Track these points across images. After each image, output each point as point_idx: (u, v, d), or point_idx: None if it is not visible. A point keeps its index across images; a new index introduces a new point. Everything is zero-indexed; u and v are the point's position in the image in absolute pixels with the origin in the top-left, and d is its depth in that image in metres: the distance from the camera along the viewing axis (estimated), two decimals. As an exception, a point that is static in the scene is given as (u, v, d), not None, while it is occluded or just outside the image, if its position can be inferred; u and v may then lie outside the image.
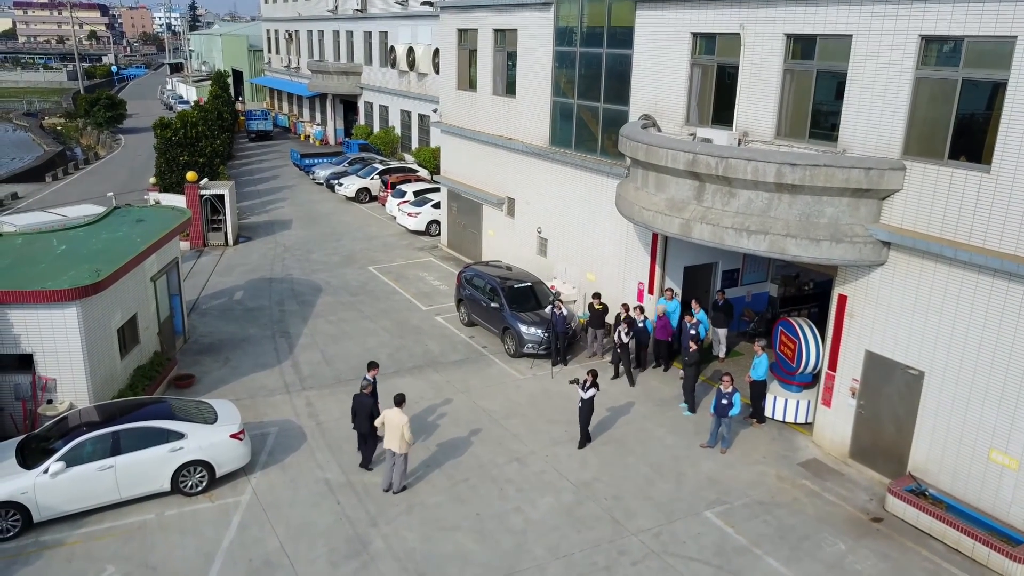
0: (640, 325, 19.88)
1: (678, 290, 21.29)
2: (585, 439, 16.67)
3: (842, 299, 16.08)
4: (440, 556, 13.19)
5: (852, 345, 15.94)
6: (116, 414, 14.53)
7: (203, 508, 14.28)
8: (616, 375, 19.94)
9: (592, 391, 16.32)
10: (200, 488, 14.55)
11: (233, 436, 14.82)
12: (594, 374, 16.53)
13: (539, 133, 24.53)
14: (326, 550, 13.28)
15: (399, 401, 14.80)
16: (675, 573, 12.85)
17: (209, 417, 15.06)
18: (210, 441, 14.54)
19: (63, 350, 15.75)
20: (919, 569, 13.09)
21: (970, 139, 13.61)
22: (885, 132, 14.55)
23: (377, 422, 14.90)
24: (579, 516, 14.38)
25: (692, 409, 18.41)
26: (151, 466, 14.07)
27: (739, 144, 17.09)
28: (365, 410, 15.40)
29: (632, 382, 19.72)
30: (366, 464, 15.73)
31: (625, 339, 19.50)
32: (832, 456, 16.50)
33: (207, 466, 14.52)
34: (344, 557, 13.11)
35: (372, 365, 16.51)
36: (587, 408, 16.43)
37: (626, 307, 20.17)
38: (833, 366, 16.41)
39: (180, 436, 14.31)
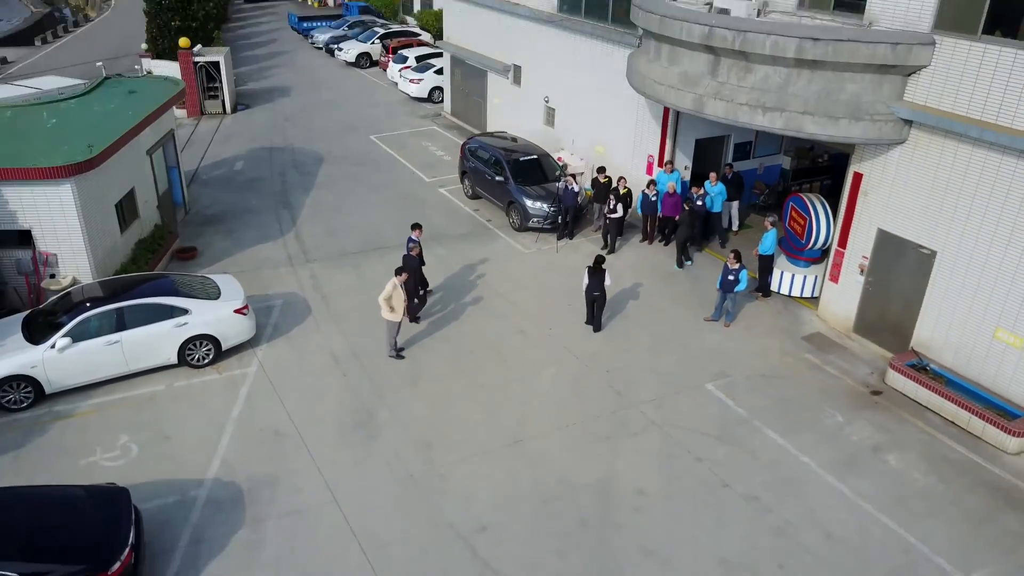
0: (652, 199, 19.49)
1: (688, 164, 20.78)
2: (589, 316, 16.47)
3: (857, 177, 15.62)
4: (445, 426, 13.46)
5: (864, 223, 15.63)
6: (119, 290, 14.49)
7: (211, 380, 14.50)
8: (605, 245, 19.84)
9: (584, 276, 15.99)
10: (207, 361, 14.72)
11: (237, 311, 14.84)
12: (594, 260, 16.04)
13: (547, -5, 23.24)
14: (334, 420, 13.55)
15: (397, 272, 14.96)
16: (674, 443, 13.12)
17: (212, 293, 15.03)
18: (215, 316, 14.57)
19: (61, 226, 15.55)
20: (915, 441, 13.33)
21: (1008, 13, 12.72)
22: (915, 3, 13.66)
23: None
24: (582, 388, 14.57)
25: (680, 264, 19.01)
26: (157, 340, 14.17)
27: (758, 16, 16.17)
28: (411, 271, 15.85)
29: (612, 249, 19.77)
30: (411, 318, 16.28)
31: (612, 216, 19.36)
32: (836, 331, 16.54)
33: (213, 340, 14.63)
34: (351, 427, 13.40)
35: (416, 226, 16.78)
36: (586, 293, 16.17)
37: (622, 180, 19.86)
38: (843, 243, 16.17)
39: (184, 312, 14.32)
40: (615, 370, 15.07)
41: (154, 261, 17.70)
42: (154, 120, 18.92)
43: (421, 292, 16.78)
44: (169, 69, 29.57)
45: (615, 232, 19.79)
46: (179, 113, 28.71)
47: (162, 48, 31.89)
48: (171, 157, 20.80)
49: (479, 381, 14.69)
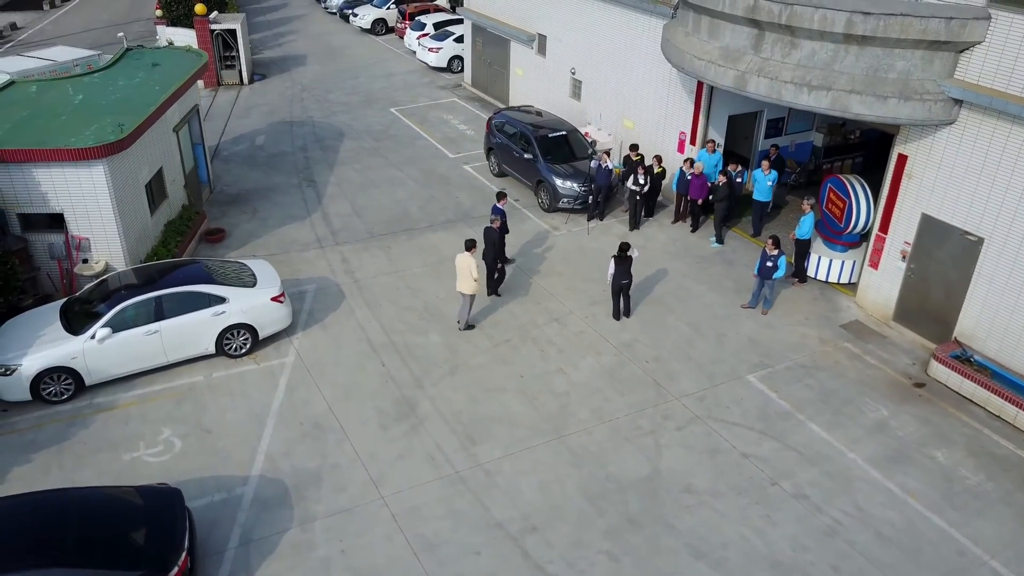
0: (688, 177, 19.15)
1: (720, 140, 20.39)
2: (616, 311, 16.15)
3: (901, 159, 15.27)
4: (487, 418, 13.38)
5: (908, 207, 15.32)
6: (155, 277, 14.34)
7: (249, 370, 14.39)
8: (633, 226, 19.64)
9: (610, 266, 15.62)
10: (244, 350, 14.61)
11: (274, 299, 14.69)
12: (619, 247, 15.65)
13: (575, -36, 22.62)
14: (375, 412, 13.47)
15: (469, 246, 15.10)
16: (719, 439, 13.03)
17: (248, 280, 14.87)
18: (251, 304, 14.42)
19: (93, 208, 15.34)
20: (959, 435, 13.22)
21: (1070, -14, 12.30)
22: (972, -24, 13.18)
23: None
24: (621, 378, 14.44)
25: (720, 240, 19.06)
26: (196, 330, 14.04)
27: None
28: (491, 243, 16.08)
29: (636, 225, 19.69)
30: (491, 292, 16.76)
31: (635, 187, 19.15)
32: (875, 318, 16.33)
33: (250, 329, 14.50)
34: (393, 420, 13.31)
35: (501, 195, 17.23)
36: (612, 283, 15.81)
37: (657, 157, 19.73)
38: (885, 228, 15.87)
39: (222, 300, 14.17)
40: (653, 360, 14.92)
41: (184, 244, 17.50)
42: (181, 95, 18.59)
43: (499, 265, 16.71)
44: (187, 38, 29.06)
45: (642, 209, 19.58)
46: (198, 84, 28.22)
47: (177, 14, 31.27)
48: (196, 134, 20.49)
49: (517, 371, 14.57)
